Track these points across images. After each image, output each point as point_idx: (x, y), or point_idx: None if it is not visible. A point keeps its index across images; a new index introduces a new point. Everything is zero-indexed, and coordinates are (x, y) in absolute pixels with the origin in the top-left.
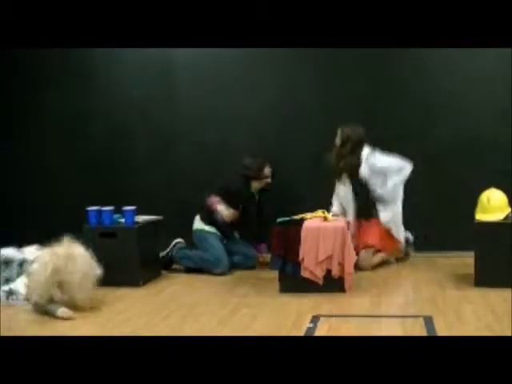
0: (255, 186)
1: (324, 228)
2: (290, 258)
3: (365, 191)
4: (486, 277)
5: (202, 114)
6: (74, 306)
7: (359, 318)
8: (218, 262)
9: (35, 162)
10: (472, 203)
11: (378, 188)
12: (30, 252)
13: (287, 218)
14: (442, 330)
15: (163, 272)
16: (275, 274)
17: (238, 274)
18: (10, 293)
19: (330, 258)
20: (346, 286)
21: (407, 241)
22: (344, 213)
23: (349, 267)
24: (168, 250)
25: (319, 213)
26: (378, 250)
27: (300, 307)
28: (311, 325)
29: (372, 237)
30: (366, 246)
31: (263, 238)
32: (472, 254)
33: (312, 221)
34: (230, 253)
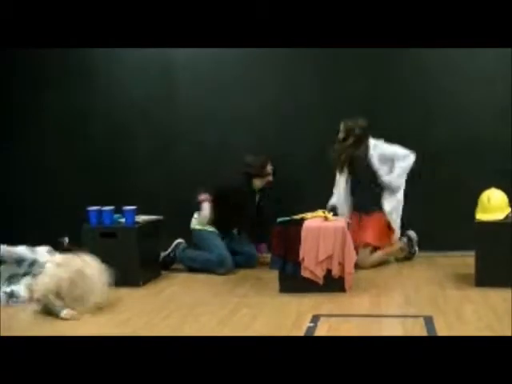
0: (257, 184)
1: (324, 228)
2: (290, 257)
3: (366, 184)
4: (486, 276)
5: (202, 114)
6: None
7: (359, 317)
8: (221, 262)
9: (35, 162)
10: (472, 203)
11: (385, 175)
12: (42, 254)
13: (287, 218)
14: (442, 330)
15: (163, 272)
16: (275, 273)
17: (238, 273)
18: (11, 295)
19: (330, 257)
20: (346, 285)
21: (411, 240)
22: (342, 204)
23: (349, 267)
24: (169, 250)
25: (319, 212)
26: (376, 248)
27: (300, 307)
28: (311, 325)
29: (370, 234)
30: (364, 245)
31: (263, 237)
32: (472, 253)
33: (312, 220)
34: (232, 252)
